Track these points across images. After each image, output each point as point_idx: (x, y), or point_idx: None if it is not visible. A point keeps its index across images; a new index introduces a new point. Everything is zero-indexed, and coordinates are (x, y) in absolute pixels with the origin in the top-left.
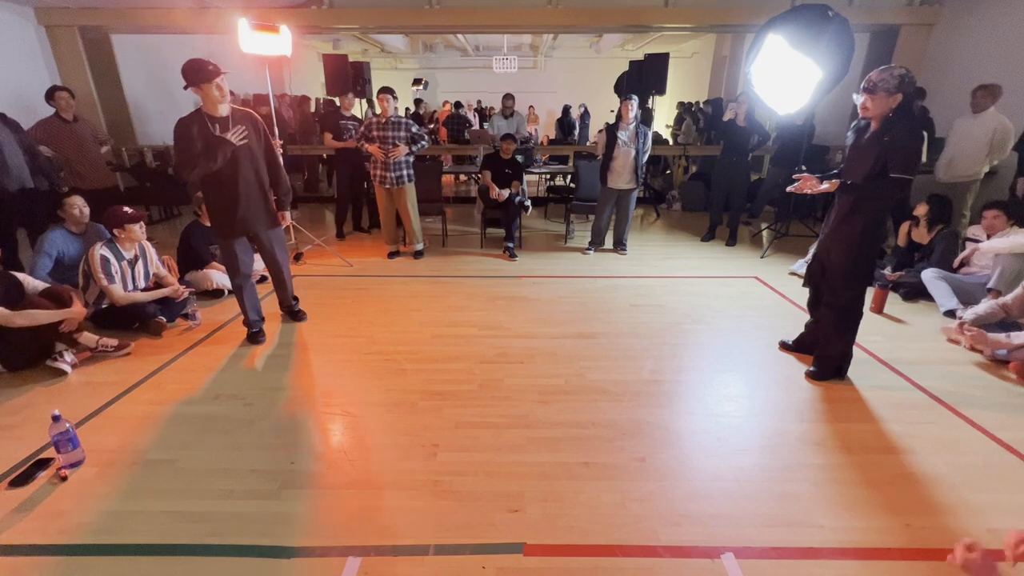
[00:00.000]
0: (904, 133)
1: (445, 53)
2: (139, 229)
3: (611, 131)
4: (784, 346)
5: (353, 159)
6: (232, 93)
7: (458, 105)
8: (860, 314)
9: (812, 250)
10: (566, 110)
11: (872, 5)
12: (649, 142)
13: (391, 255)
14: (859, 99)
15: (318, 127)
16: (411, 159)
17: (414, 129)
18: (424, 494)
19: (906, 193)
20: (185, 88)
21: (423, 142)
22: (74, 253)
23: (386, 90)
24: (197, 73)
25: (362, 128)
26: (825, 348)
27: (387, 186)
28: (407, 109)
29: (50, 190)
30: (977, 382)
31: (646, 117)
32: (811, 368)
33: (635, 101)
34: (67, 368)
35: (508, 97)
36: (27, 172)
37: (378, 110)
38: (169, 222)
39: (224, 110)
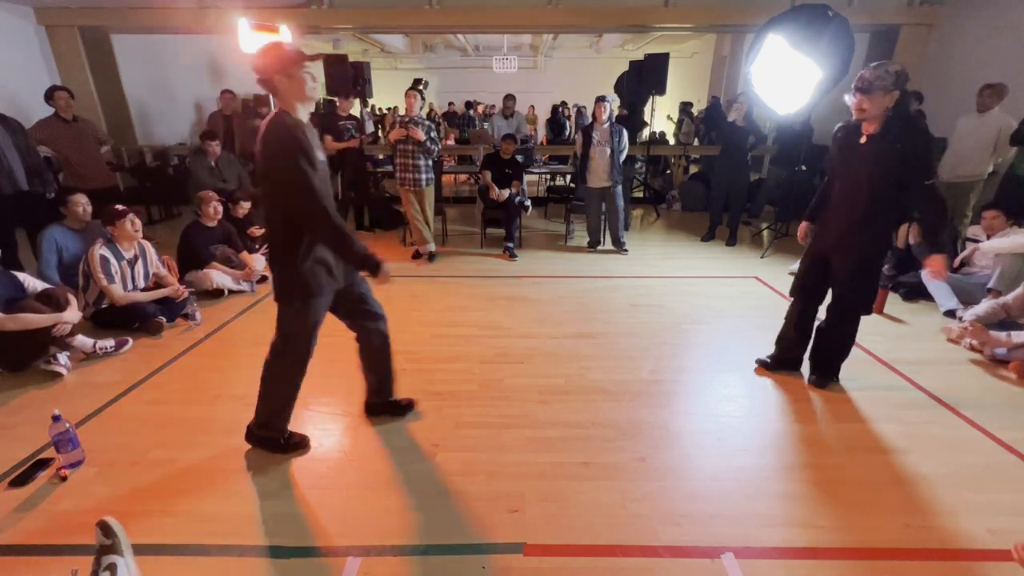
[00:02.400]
0: (921, 142)
1: (445, 53)
2: (130, 225)
3: (586, 132)
4: (762, 366)
5: (356, 161)
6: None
7: (469, 105)
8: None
9: None
10: (555, 110)
11: (872, 5)
12: (625, 141)
13: (422, 256)
14: (852, 100)
15: (317, 129)
16: (431, 162)
17: (433, 133)
18: (424, 494)
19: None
20: (264, 81)
21: (436, 147)
22: (74, 250)
23: (412, 88)
24: (282, 54)
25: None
26: (832, 349)
27: (410, 187)
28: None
29: (43, 192)
30: (977, 382)
31: (638, 120)
32: (813, 376)
33: (607, 103)
34: (62, 370)
35: (509, 97)
36: (23, 174)
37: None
38: (169, 222)
39: (306, 113)
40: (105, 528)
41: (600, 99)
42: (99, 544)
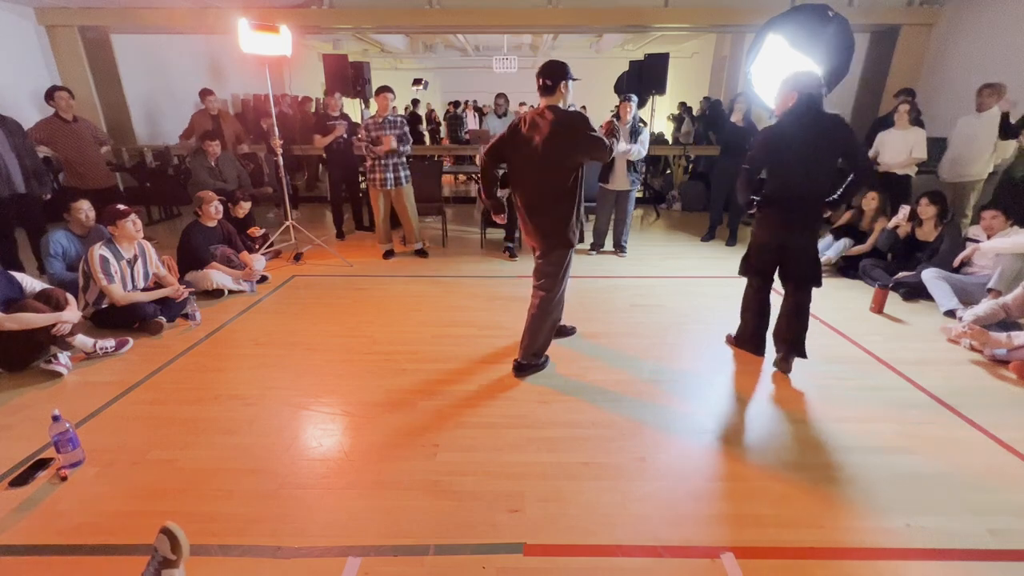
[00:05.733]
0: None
1: (445, 53)
2: (131, 225)
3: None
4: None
5: (344, 159)
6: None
7: (456, 104)
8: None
9: None
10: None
11: (872, 5)
12: (646, 143)
13: (387, 255)
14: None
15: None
16: (405, 160)
17: (406, 129)
18: (424, 494)
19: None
20: (565, 81)
21: (406, 146)
22: (75, 254)
23: (386, 88)
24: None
25: (362, 132)
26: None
27: (386, 187)
28: (405, 107)
29: (41, 194)
30: (977, 382)
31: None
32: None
33: (634, 101)
34: (62, 370)
35: (500, 96)
36: (20, 176)
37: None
38: (169, 222)
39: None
40: (172, 540)
41: (626, 98)
42: (162, 556)
